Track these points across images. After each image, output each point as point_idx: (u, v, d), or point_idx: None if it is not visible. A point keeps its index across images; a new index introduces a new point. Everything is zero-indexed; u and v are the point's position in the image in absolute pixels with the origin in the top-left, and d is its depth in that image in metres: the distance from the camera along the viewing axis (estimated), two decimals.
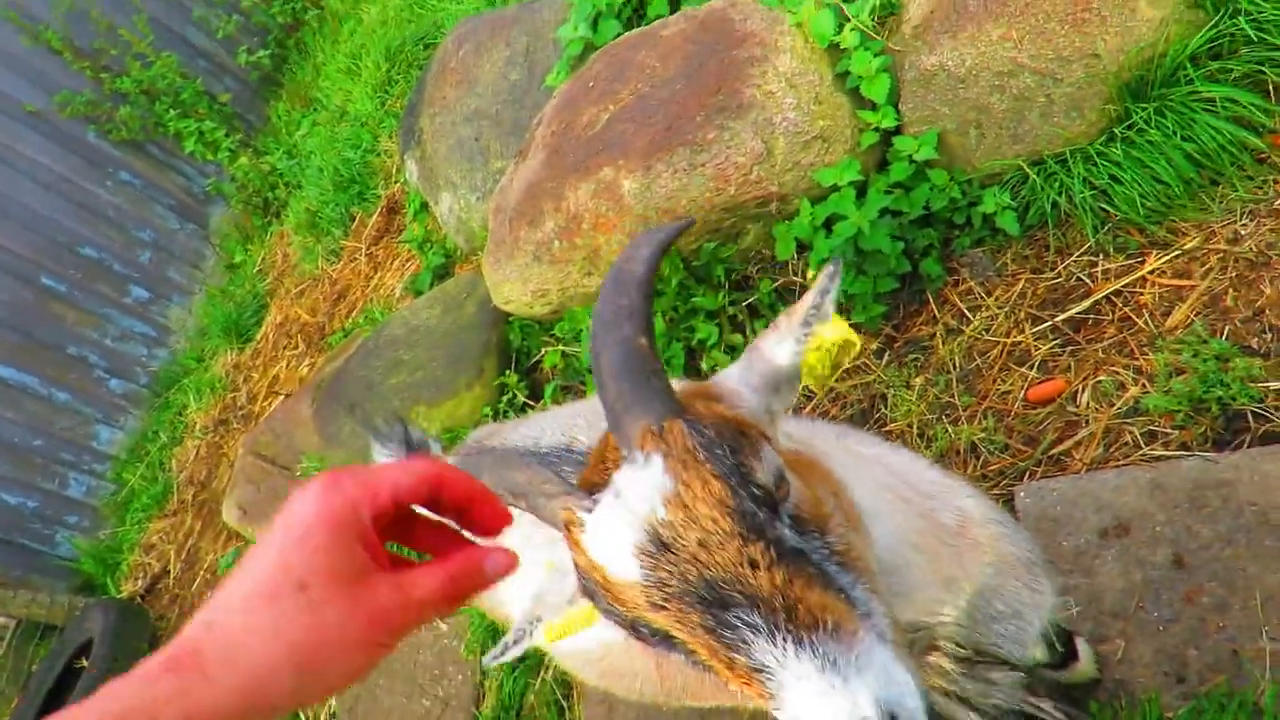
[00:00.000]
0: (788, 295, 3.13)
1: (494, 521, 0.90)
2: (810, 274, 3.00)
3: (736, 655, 0.91)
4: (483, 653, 3.27)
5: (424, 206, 4.87)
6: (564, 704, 2.99)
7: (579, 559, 1.03)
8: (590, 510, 1.00)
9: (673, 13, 3.56)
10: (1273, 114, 2.48)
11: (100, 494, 6.30)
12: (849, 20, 2.93)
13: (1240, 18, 2.42)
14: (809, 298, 1.16)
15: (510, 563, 0.87)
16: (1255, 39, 2.42)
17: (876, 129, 2.84)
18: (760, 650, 0.90)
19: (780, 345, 1.15)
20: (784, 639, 0.90)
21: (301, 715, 3.70)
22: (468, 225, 4.39)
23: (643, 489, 0.97)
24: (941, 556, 1.46)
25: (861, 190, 2.84)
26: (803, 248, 2.94)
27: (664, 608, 0.95)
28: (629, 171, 3.03)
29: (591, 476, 1.09)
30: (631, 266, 1.16)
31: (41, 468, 6.07)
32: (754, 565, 0.93)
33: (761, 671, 0.90)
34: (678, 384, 1.13)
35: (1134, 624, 2.08)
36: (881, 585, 1.07)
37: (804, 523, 1.01)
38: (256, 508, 4.27)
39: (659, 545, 0.95)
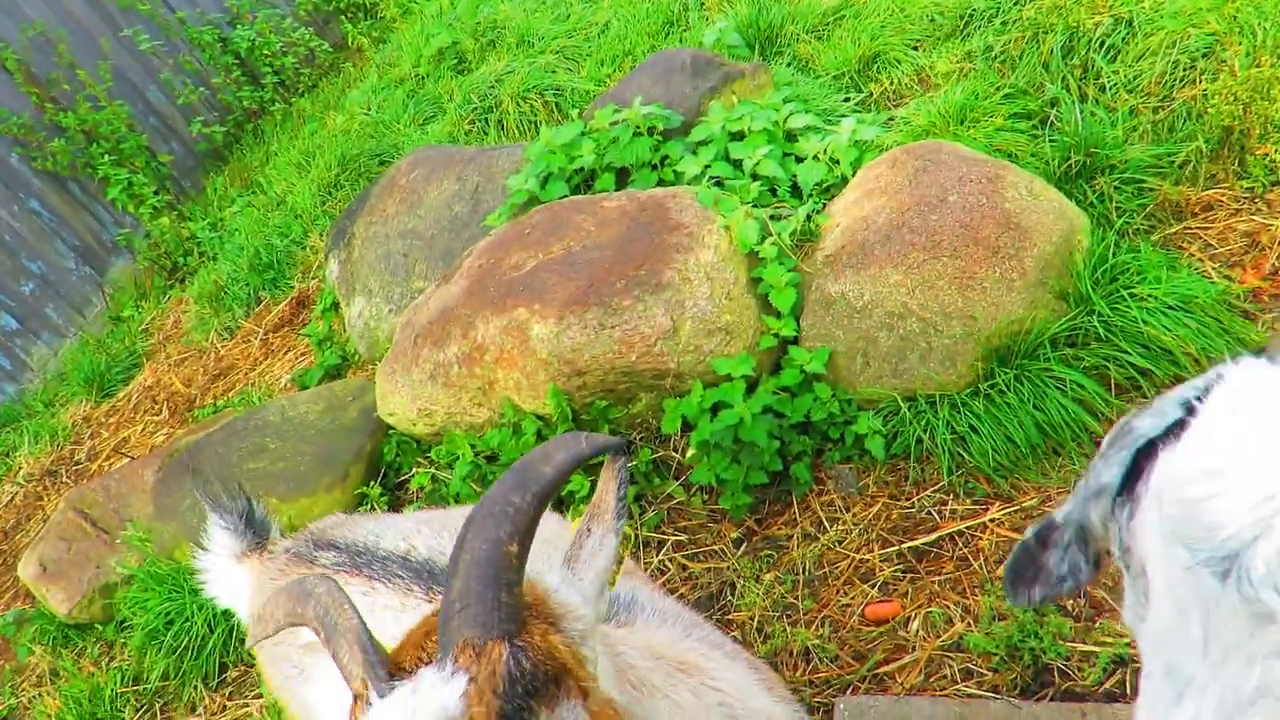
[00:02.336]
0: (663, 468, 3.23)
1: None
2: (690, 453, 3.11)
3: None
4: None
5: (334, 306, 4.87)
6: None
7: None
8: (382, 696, 1.01)
9: (620, 188, 3.84)
10: (1112, 406, 2.80)
11: None
12: (771, 235, 3.22)
13: (1093, 317, 2.79)
14: (611, 496, 1.18)
15: None
16: (1104, 337, 2.77)
17: (776, 335, 3.07)
18: None
19: (603, 547, 1.17)
20: None
21: None
22: (373, 333, 4.41)
23: (434, 704, 0.97)
24: None
25: (752, 386, 3.03)
26: (687, 426, 3.07)
27: None
28: (542, 317, 3.15)
29: (400, 656, 1.10)
30: (541, 468, 1.14)
31: None
32: None
33: None
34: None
35: None
36: None
37: None
38: (59, 568, 3.91)
39: None
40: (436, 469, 3.61)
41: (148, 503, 3.84)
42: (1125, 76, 3.57)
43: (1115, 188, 3.25)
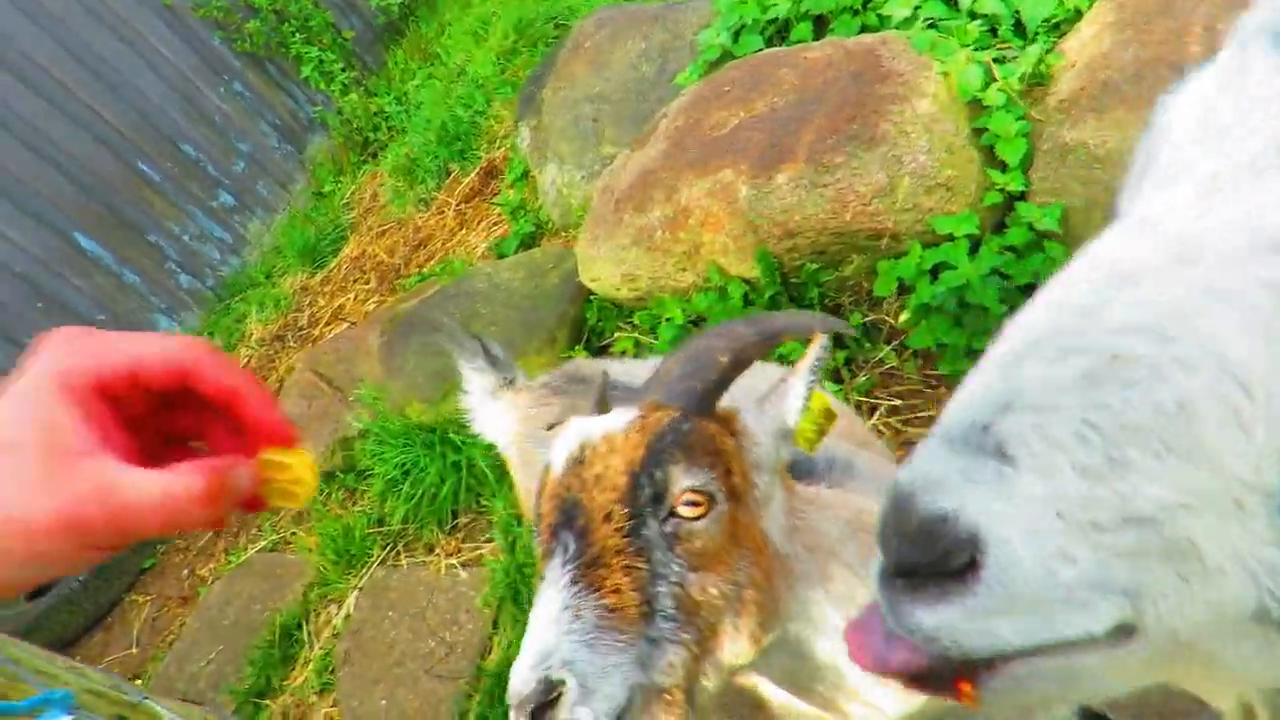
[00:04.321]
0: (874, 332, 3.17)
1: (266, 425, 0.75)
2: (904, 316, 3.03)
3: (545, 561, 1.12)
4: (496, 620, 3.31)
5: (525, 174, 4.96)
6: None
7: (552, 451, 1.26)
8: (578, 419, 1.26)
9: (817, 38, 3.63)
10: None
11: None
12: (996, 80, 2.97)
13: None
14: (811, 357, 1.28)
15: (247, 490, 0.72)
16: None
17: (1002, 190, 2.88)
18: (553, 568, 1.08)
19: (787, 394, 1.28)
20: (569, 577, 1.07)
21: (305, 631, 3.76)
22: (566, 200, 4.48)
23: (607, 421, 1.19)
24: None
25: (974, 246, 2.88)
26: (903, 289, 2.97)
27: (547, 501, 1.17)
28: (749, 177, 3.08)
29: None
30: (773, 319, 1.29)
31: None
32: (607, 519, 1.11)
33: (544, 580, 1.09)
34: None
35: None
36: (714, 650, 1.16)
37: (678, 544, 1.13)
38: (302, 423, 4.35)
39: (578, 460, 1.16)
40: (639, 333, 3.70)
41: (375, 363, 4.16)
42: None
43: None
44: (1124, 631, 0.53)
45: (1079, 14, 3.16)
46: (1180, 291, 0.47)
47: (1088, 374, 0.48)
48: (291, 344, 5.86)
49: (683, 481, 1.13)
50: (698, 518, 1.14)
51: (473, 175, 5.60)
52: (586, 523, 1.12)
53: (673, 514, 1.13)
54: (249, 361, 6.07)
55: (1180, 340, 0.47)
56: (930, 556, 0.51)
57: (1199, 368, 0.46)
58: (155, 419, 0.73)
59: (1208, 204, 0.51)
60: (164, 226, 6.57)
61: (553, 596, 1.07)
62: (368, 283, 5.71)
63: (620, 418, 1.20)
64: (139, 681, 4.00)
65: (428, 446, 3.77)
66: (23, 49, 5.77)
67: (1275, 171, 0.49)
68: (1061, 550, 0.49)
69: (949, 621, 0.52)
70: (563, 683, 1.00)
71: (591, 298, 3.92)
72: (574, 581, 1.08)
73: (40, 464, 0.62)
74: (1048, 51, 3.04)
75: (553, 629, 1.04)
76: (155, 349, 0.69)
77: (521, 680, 1.00)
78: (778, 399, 1.30)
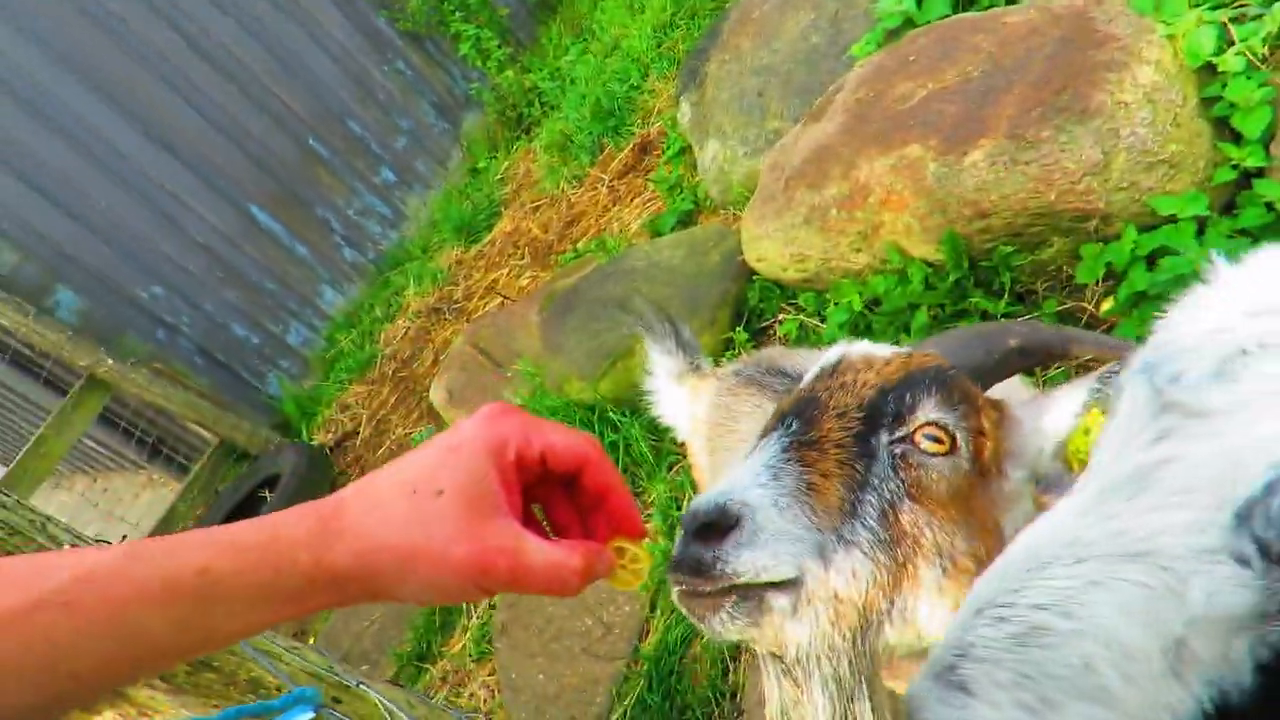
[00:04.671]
0: (1070, 321, 2.91)
1: (624, 520, 0.88)
2: (1107, 305, 2.77)
3: (765, 435, 1.12)
4: (654, 602, 3.28)
5: (682, 151, 4.87)
6: (729, 663, 2.95)
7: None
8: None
9: (1011, 2, 3.36)
10: None
11: (313, 347, 6.78)
12: (1234, 43, 2.65)
13: None
14: (1093, 378, 1.19)
15: (605, 572, 0.85)
16: None
17: (1236, 166, 2.57)
18: (766, 442, 1.10)
19: (1060, 409, 1.20)
20: (781, 445, 1.07)
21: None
22: (727, 177, 4.36)
23: (872, 346, 1.24)
24: None
25: (1199, 228, 2.58)
26: (1110, 276, 2.71)
27: (785, 402, 1.19)
28: (939, 153, 2.88)
29: None
30: (1071, 338, 1.28)
31: (270, 310, 6.59)
32: (840, 415, 1.11)
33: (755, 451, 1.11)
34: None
35: None
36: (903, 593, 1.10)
37: (904, 468, 1.09)
38: (462, 394, 4.44)
39: (830, 370, 1.18)
40: (804, 316, 3.56)
41: (534, 339, 4.19)
42: None
43: None
44: None
45: None
46: (1076, 582, 0.66)
47: (1017, 638, 0.65)
48: (447, 317, 6.02)
49: (931, 413, 1.10)
50: (934, 454, 1.09)
51: (626, 151, 5.55)
52: (817, 412, 1.11)
53: (910, 440, 1.10)
54: (407, 332, 6.29)
55: (1077, 617, 0.64)
56: None
57: (1092, 636, 0.63)
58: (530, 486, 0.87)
59: (1088, 514, 0.69)
60: (331, 202, 6.87)
61: (757, 458, 1.05)
62: (521, 258, 5.78)
63: (884, 348, 1.20)
64: (309, 640, 4.21)
65: (585, 424, 3.77)
66: (215, 37, 6.12)
67: (1127, 501, 0.67)
68: None
69: None
70: (738, 520, 0.97)
71: (755, 278, 3.80)
72: (784, 450, 1.06)
73: (466, 512, 0.75)
74: None
75: (749, 476, 1.02)
76: (566, 440, 0.84)
77: (703, 500, 0.98)
78: (1039, 409, 1.19)
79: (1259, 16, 2.67)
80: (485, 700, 3.44)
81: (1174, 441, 0.68)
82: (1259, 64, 2.61)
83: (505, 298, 5.45)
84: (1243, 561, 0.60)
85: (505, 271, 5.83)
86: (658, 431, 3.49)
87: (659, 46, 5.91)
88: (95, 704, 1.18)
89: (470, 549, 0.74)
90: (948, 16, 3.44)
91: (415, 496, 0.76)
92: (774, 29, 4.28)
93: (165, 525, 5.97)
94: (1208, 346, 0.70)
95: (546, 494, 0.88)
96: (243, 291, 6.44)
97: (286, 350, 6.67)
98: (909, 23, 3.63)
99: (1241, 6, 2.80)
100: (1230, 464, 0.63)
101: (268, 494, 5.65)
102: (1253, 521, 0.60)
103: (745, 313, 3.85)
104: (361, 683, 1.43)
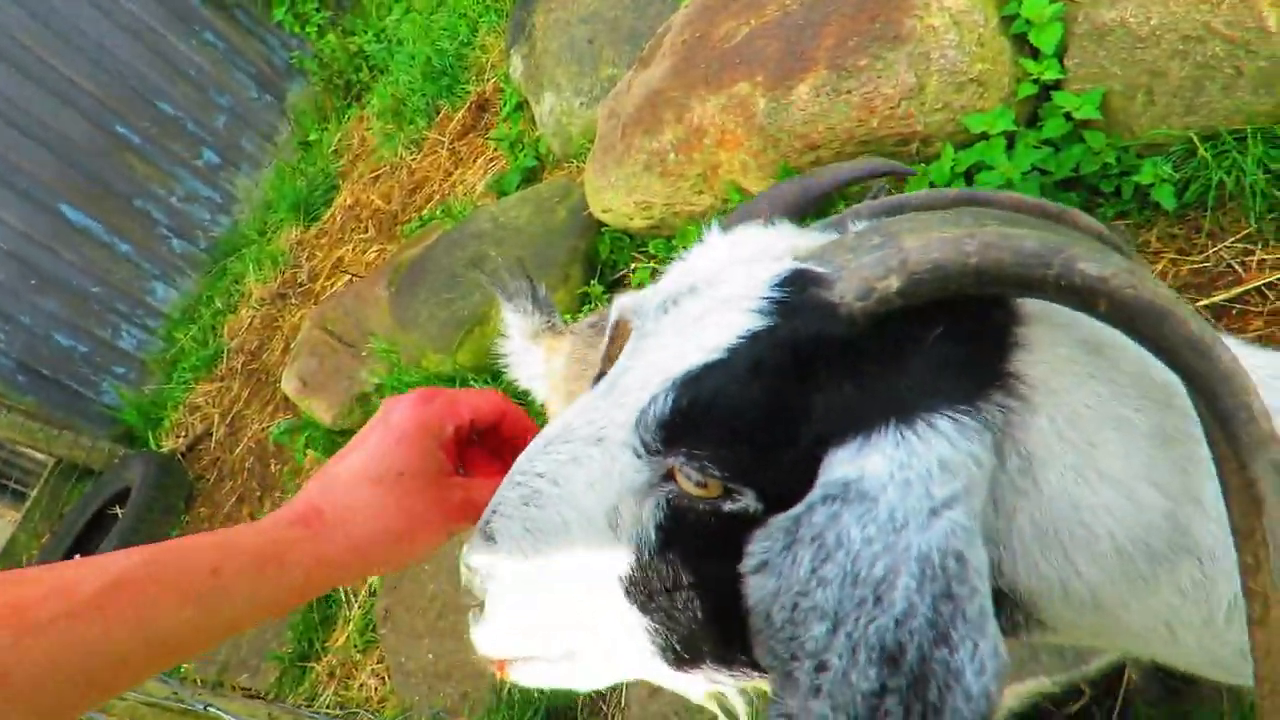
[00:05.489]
0: None
1: None
2: None
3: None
4: None
5: (520, 106, 4.75)
6: None
7: None
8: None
9: None
10: None
11: (150, 349, 6.33)
12: None
13: None
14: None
15: None
16: None
17: (1036, 80, 2.70)
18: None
19: None
20: None
21: (342, 592, 3.72)
22: (566, 129, 4.28)
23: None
24: None
25: (1009, 143, 2.72)
26: None
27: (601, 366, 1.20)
28: (766, 89, 2.91)
29: None
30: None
31: (96, 315, 6.10)
32: None
33: None
34: None
35: None
36: None
37: None
38: (317, 380, 4.25)
39: (615, 330, 1.15)
40: (656, 263, 3.57)
41: (385, 315, 4.04)
42: None
43: None
44: (572, 654, 0.90)
45: None
46: (562, 457, 0.83)
47: (524, 498, 0.84)
48: (294, 301, 5.73)
49: None
50: None
51: (463, 111, 5.37)
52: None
53: None
54: (252, 322, 5.95)
55: (561, 485, 0.83)
56: (469, 594, 0.90)
57: (568, 502, 0.82)
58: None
59: (586, 406, 0.85)
60: (150, 191, 6.37)
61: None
62: (365, 232, 5.55)
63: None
64: None
65: None
66: None
67: (603, 398, 0.83)
68: (525, 603, 0.87)
69: (480, 635, 0.91)
70: None
71: (603, 230, 3.78)
72: None
73: (428, 485, 0.90)
74: None
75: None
76: (484, 400, 1.00)
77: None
78: None
79: None
80: (376, 689, 3.37)
81: (634, 356, 0.84)
82: None
83: (353, 275, 5.22)
84: (636, 453, 0.78)
85: (350, 247, 5.59)
86: (519, 396, 3.45)
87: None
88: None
89: (441, 511, 0.90)
90: None
91: (381, 484, 0.88)
92: None
93: (5, 558, 5.50)
94: (668, 287, 0.86)
95: (469, 457, 1.02)
96: (62, 298, 5.92)
97: (120, 355, 6.20)
98: None
99: None
100: (649, 376, 0.79)
101: (119, 510, 5.28)
102: (640, 425, 0.77)
103: (598, 266, 3.83)
104: (210, 705, 1.34)
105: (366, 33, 6.73)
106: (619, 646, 0.85)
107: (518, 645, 0.89)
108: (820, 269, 0.75)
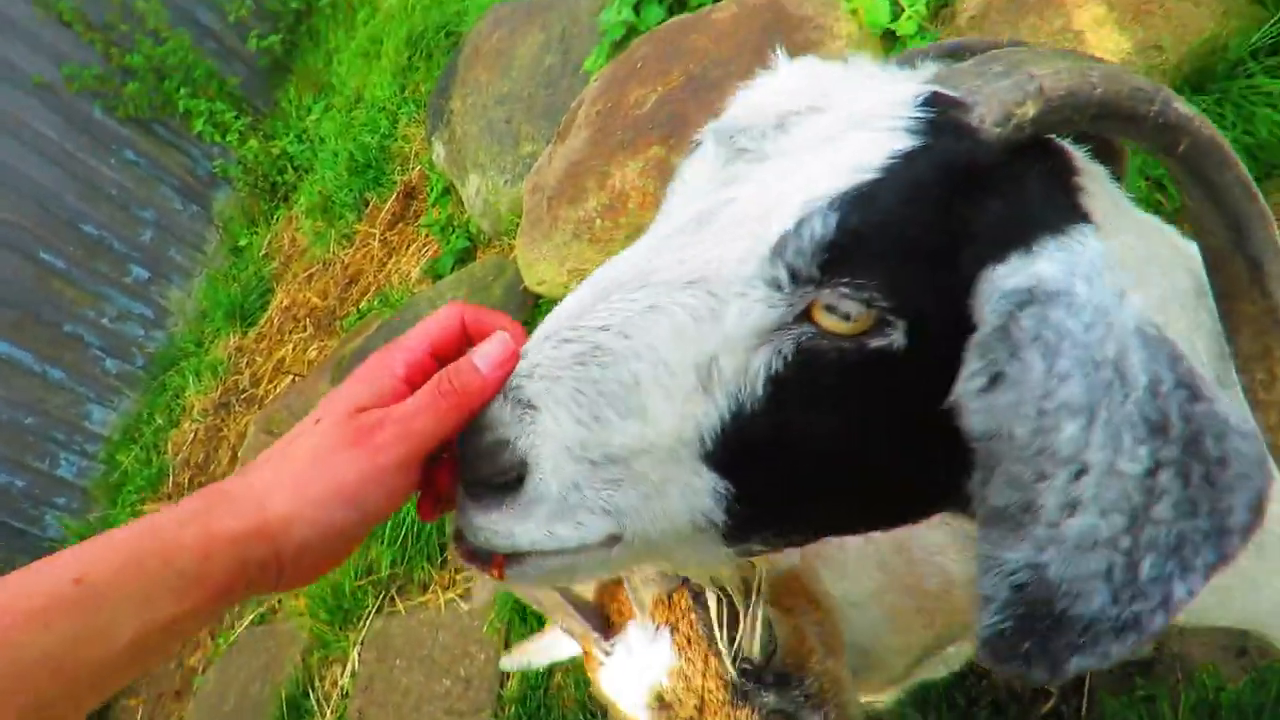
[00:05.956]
0: None
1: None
2: None
3: None
4: (507, 639, 3.22)
5: (447, 190, 4.83)
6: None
7: (593, 687, 1.26)
8: (607, 654, 1.23)
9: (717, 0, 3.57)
10: None
11: (91, 475, 6.15)
12: (904, 9, 2.94)
13: None
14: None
15: (497, 362, 0.80)
16: None
17: None
18: None
19: None
20: None
21: (313, 698, 3.61)
22: (494, 208, 4.36)
23: (652, 659, 1.17)
24: (914, 628, 1.52)
25: None
26: None
27: None
28: (681, 150, 3.01)
29: (604, 598, 1.30)
30: None
31: (32, 446, 5.92)
32: None
33: None
34: None
35: None
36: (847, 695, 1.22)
37: (786, 677, 1.15)
38: None
39: (662, 703, 1.16)
40: None
41: None
42: None
43: None
44: (614, 539, 0.76)
45: None
46: (635, 306, 0.72)
47: (578, 357, 0.72)
48: (238, 408, 5.64)
49: (760, 643, 1.20)
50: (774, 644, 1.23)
51: (391, 201, 5.43)
52: None
53: (765, 671, 1.17)
54: (195, 435, 5.83)
55: (633, 338, 0.71)
56: (492, 470, 0.74)
57: (643, 356, 0.71)
58: None
59: (658, 248, 0.75)
60: (80, 314, 6.26)
61: None
62: (304, 330, 5.52)
63: (657, 648, 1.22)
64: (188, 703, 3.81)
65: None
66: None
67: (692, 235, 0.73)
68: (574, 481, 0.73)
69: (489, 523, 0.75)
70: None
71: (540, 302, 3.82)
72: None
73: (344, 421, 0.76)
74: None
75: None
76: (442, 327, 0.84)
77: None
78: None
79: None
80: None
81: (737, 185, 0.75)
82: (928, 25, 2.92)
83: (296, 375, 5.18)
84: (775, 286, 0.70)
85: (290, 348, 5.54)
86: None
87: (402, 91, 5.83)
88: None
89: (367, 460, 0.74)
90: (665, 21, 3.61)
91: (292, 440, 0.79)
92: (508, 57, 4.33)
93: None
94: (770, 107, 0.79)
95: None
96: None
97: (60, 485, 6.01)
98: (632, 31, 3.79)
99: None
100: (776, 202, 0.71)
101: None
102: (785, 252, 0.69)
103: None
104: None
105: (288, 134, 6.80)
106: (673, 518, 0.76)
107: (545, 534, 0.74)
108: (953, 93, 0.73)
